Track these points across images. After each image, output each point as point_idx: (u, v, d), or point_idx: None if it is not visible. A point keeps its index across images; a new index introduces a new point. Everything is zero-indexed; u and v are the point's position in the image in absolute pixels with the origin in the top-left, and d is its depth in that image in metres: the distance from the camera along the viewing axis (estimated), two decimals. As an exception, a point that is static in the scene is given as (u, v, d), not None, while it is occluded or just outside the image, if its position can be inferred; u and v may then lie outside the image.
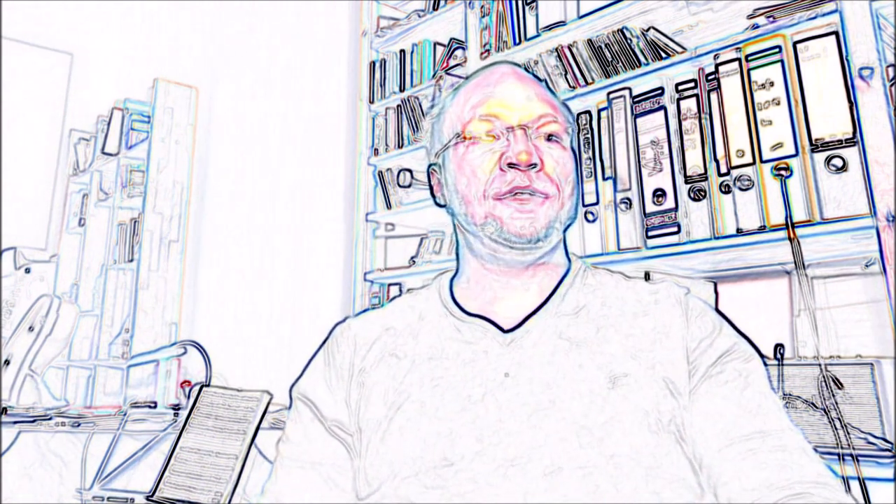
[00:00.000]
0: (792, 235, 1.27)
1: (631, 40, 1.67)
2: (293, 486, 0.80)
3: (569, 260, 0.88)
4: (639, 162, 1.53)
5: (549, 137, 0.82)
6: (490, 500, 0.70)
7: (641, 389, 0.74)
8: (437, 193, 0.91)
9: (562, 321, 0.80)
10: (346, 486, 0.80)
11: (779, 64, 1.34)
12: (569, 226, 0.84)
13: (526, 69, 0.91)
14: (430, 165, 0.92)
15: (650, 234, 1.49)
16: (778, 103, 1.34)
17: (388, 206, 2.34)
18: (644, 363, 0.75)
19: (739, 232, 1.36)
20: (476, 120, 0.83)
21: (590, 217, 1.61)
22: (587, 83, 1.74)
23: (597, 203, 1.60)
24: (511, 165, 0.79)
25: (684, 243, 1.44)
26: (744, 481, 0.69)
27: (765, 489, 0.68)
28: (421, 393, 0.78)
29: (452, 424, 0.74)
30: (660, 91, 1.52)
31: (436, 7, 2.29)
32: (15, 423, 1.56)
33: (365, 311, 0.93)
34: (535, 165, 0.79)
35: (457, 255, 0.90)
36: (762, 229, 1.33)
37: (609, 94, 1.62)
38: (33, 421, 1.60)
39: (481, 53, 2.02)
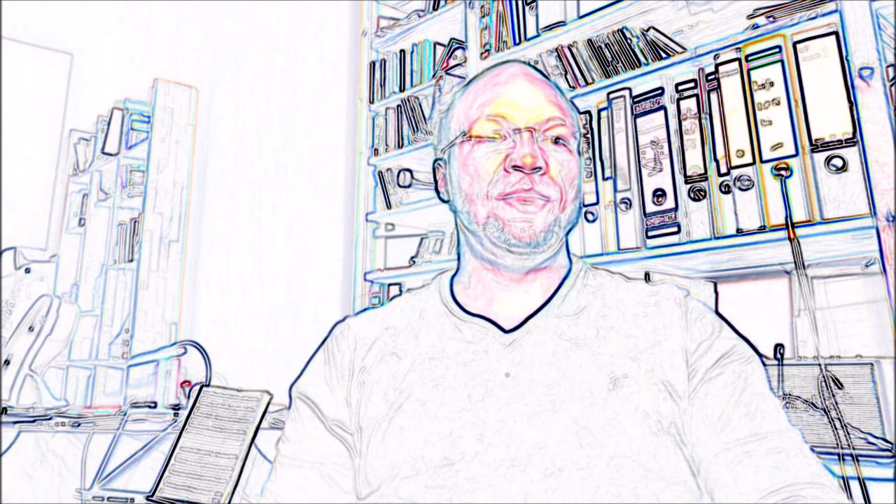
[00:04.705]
0: (792, 235, 1.27)
1: (631, 40, 1.67)
2: (293, 486, 0.80)
3: (570, 261, 0.88)
4: (639, 162, 1.53)
5: (556, 140, 0.82)
6: (490, 500, 0.70)
7: (641, 391, 0.74)
8: (441, 189, 0.90)
9: (562, 322, 0.80)
10: (346, 486, 0.80)
11: (779, 64, 1.34)
12: (571, 229, 0.84)
13: (536, 68, 0.90)
14: (435, 160, 0.92)
15: (650, 234, 1.49)
16: (778, 103, 1.33)
17: (388, 206, 2.34)
18: (644, 365, 0.76)
19: (739, 232, 1.36)
20: (483, 119, 0.82)
21: (590, 217, 1.61)
22: (587, 83, 1.74)
23: (597, 203, 1.60)
24: (515, 168, 0.79)
25: (684, 243, 1.44)
26: (739, 486, 0.69)
27: (759, 493, 0.68)
28: (422, 392, 0.78)
29: (453, 424, 0.74)
30: (660, 91, 1.52)
31: (436, 7, 2.29)
32: (15, 423, 1.56)
33: (364, 310, 0.93)
34: (539, 169, 0.79)
35: (458, 253, 0.90)
36: (762, 229, 1.33)
37: (609, 94, 1.62)
38: (33, 421, 1.60)
39: (481, 53, 2.02)
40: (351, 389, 0.83)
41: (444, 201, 0.89)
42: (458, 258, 0.89)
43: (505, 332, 0.80)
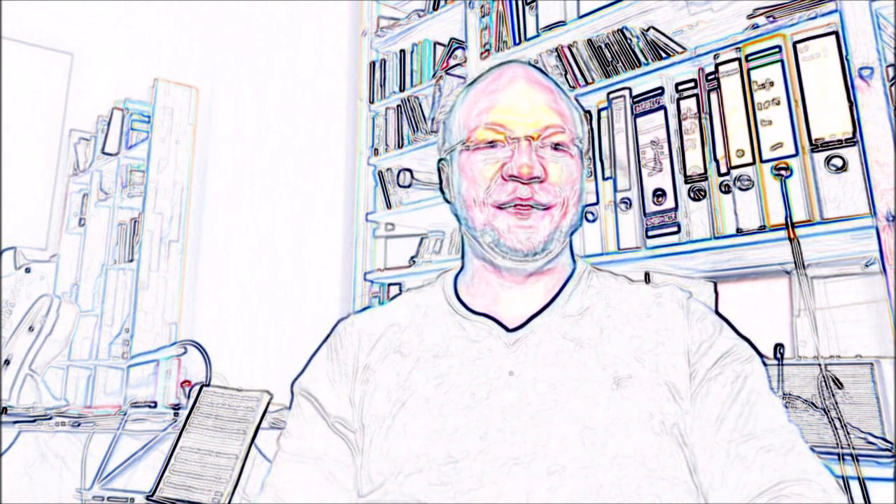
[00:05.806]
0: (792, 235, 1.27)
1: (631, 40, 1.68)
2: (293, 481, 0.80)
3: (574, 261, 0.88)
4: (639, 162, 1.53)
5: (556, 146, 0.81)
6: (493, 498, 0.70)
7: (645, 392, 0.74)
8: (445, 189, 0.91)
9: (566, 322, 0.81)
10: (346, 483, 0.80)
11: (779, 64, 1.34)
12: (574, 231, 0.84)
13: (538, 68, 0.89)
14: (440, 160, 0.92)
15: (650, 234, 1.49)
16: (778, 103, 1.34)
17: (388, 206, 2.34)
18: (648, 366, 0.76)
19: (739, 232, 1.36)
20: (482, 128, 0.82)
21: (590, 217, 1.61)
22: (587, 83, 1.74)
23: (597, 203, 1.60)
24: (512, 177, 0.79)
25: (684, 243, 1.44)
26: (728, 487, 0.70)
27: (748, 494, 0.69)
28: (425, 390, 0.78)
29: (456, 422, 0.74)
30: (660, 91, 1.52)
31: (436, 7, 2.29)
32: (15, 423, 1.56)
33: (367, 307, 0.93)
34: (537, 178, 0.79)
35: (462, 252, 0.90)
36: (762, 229, 1.33)
37: (609, 94, 1.62)
38: (33, 421, 1.60)
39: (481, 53, 2.02)
40: (354, 387, 0.83)
41: (447, 201, 0.90)
42: (463, 257, 0.90)
43: (509, 330, 0.80)
